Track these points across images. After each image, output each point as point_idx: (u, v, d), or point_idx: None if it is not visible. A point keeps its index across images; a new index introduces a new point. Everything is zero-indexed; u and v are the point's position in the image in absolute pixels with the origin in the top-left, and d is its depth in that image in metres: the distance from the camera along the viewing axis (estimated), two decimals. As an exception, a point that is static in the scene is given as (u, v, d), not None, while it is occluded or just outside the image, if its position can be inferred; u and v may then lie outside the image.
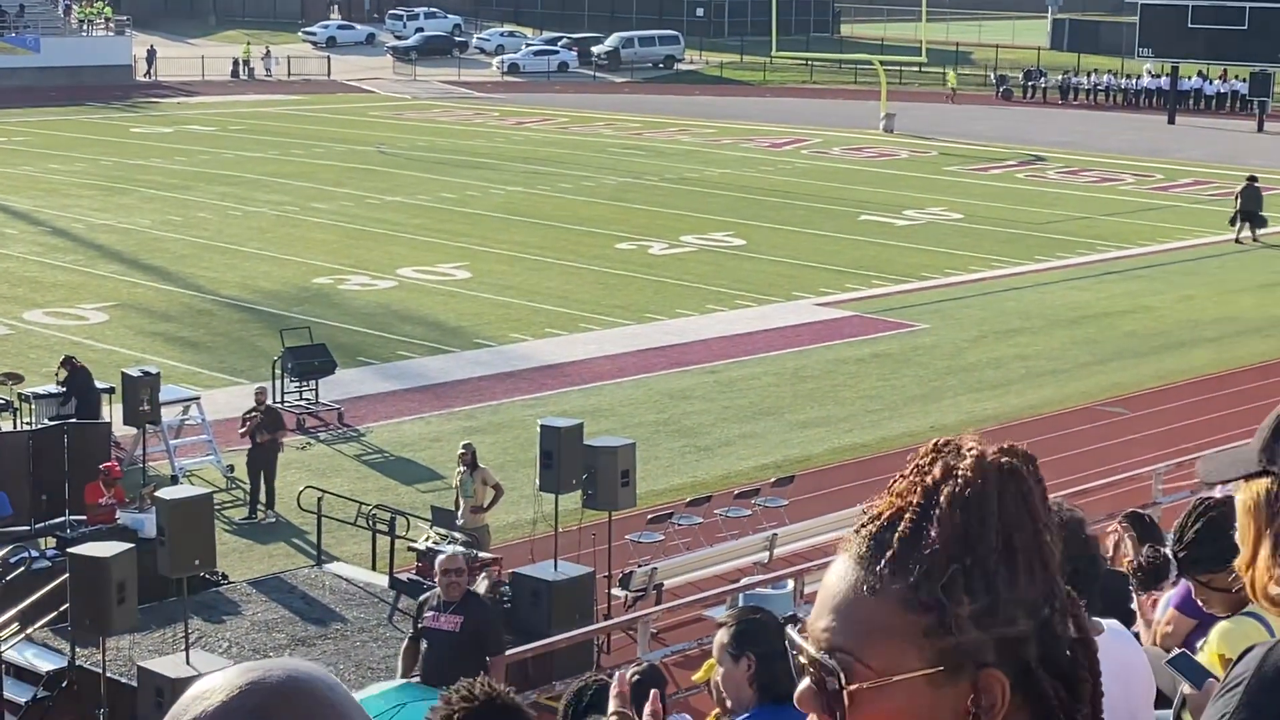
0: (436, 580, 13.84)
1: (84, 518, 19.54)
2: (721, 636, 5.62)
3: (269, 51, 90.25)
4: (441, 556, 14.08)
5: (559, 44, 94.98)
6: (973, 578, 2.02)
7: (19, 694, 16.38)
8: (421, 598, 14.38)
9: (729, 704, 5.69)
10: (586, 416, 22.61)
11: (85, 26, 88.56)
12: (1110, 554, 9.60)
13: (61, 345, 29.99)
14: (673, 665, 15.88)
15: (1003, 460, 2.09)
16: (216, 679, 1.93)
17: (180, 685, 14.50)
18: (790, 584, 17.94)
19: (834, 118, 72.33)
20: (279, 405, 25.13)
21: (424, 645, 13.43)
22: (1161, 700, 5.86)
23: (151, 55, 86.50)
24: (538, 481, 18.80)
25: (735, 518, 21.62)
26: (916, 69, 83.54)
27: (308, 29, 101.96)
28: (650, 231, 43.78)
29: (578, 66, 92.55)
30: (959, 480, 2.07)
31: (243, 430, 22.72)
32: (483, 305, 35.03)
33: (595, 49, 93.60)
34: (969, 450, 2.10)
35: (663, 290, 36.68)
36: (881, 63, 74.30)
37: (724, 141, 64.48)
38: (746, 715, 5.46)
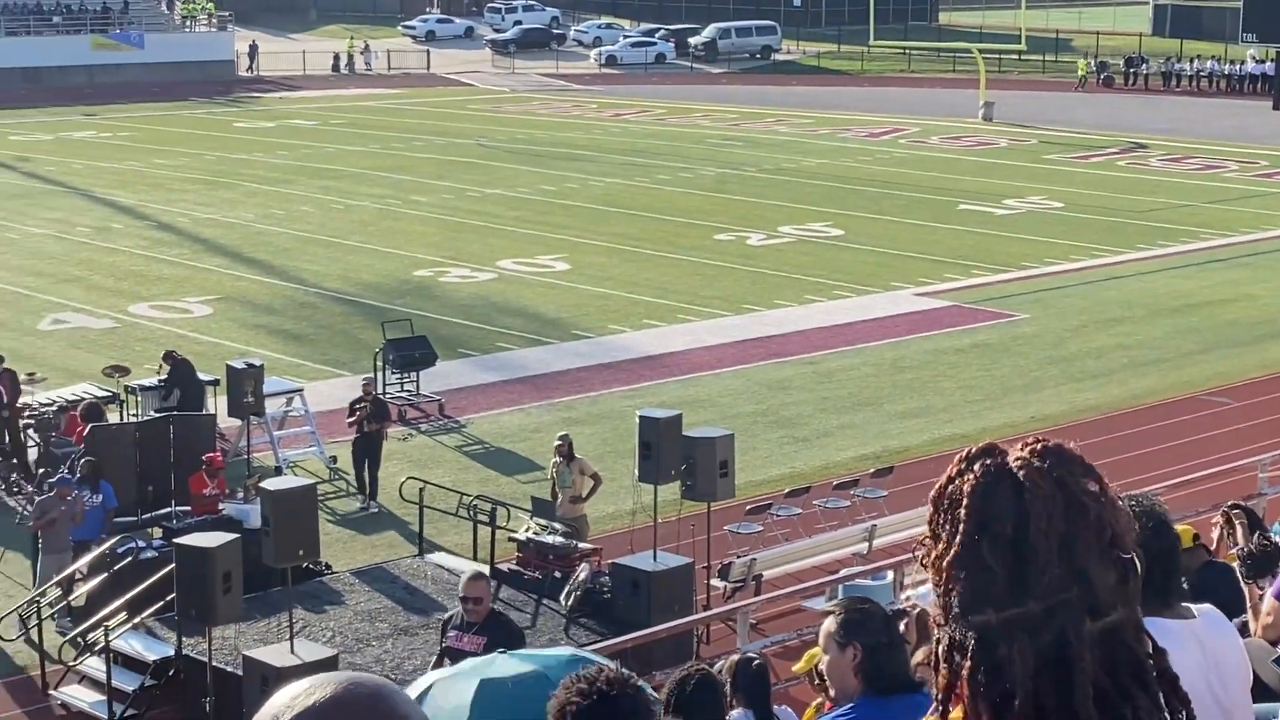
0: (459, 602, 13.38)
1: (189, 508, 19.84)
2: (829, 625, 5.63)
3: (368, 46, 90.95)
4: (464, 579, 13.50)
5: (656, 35, 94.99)
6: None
7: (127, 682, 16.67)
8: (445, 616, 14.01)
9: (833, 692, 5.70)
10: (685, 407, 22.65)
11: (188, 23, 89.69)
12: (1214, 545, 9.52)
13: (166, 338, 30.45)
14: (772, 656, 15.87)
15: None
16: (294, 689, 1.99)
17: (285, 674, 14.70)
18: (890, 575, 17.89)
19: (932, 106, 71.85)
20: (381, 397, 25.34)
21: (447, 665, 13.19)
22: (1265, 693, 5.80)
23: (253, 50, 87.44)
24: (637, 472, 18.85)
25: (834, 509, 21.58)
26: (1016, 57, 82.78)
27: (407, 23, 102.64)
28: (748, 222, 43.72)
29: (675, 58, 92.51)
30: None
31: (351, 420, 22.95)
32: (581, 297, 35.16)
33: (692, 40, 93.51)
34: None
35: (761, 281, 36.63)
36: (980, 51, 73.70)
37: (821, 132, 64.24)
38: (851, 705, 5.47)
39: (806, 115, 69.28)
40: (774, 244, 41.13)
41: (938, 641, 2.27)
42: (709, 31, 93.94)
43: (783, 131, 64.32)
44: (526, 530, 19.21)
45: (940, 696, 2.27)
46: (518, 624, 13.80)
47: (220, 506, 19.87)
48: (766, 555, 19.52)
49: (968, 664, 2.22)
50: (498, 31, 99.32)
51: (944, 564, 2.24)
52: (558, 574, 18.36)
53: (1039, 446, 2.26)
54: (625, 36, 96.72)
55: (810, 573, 19.46)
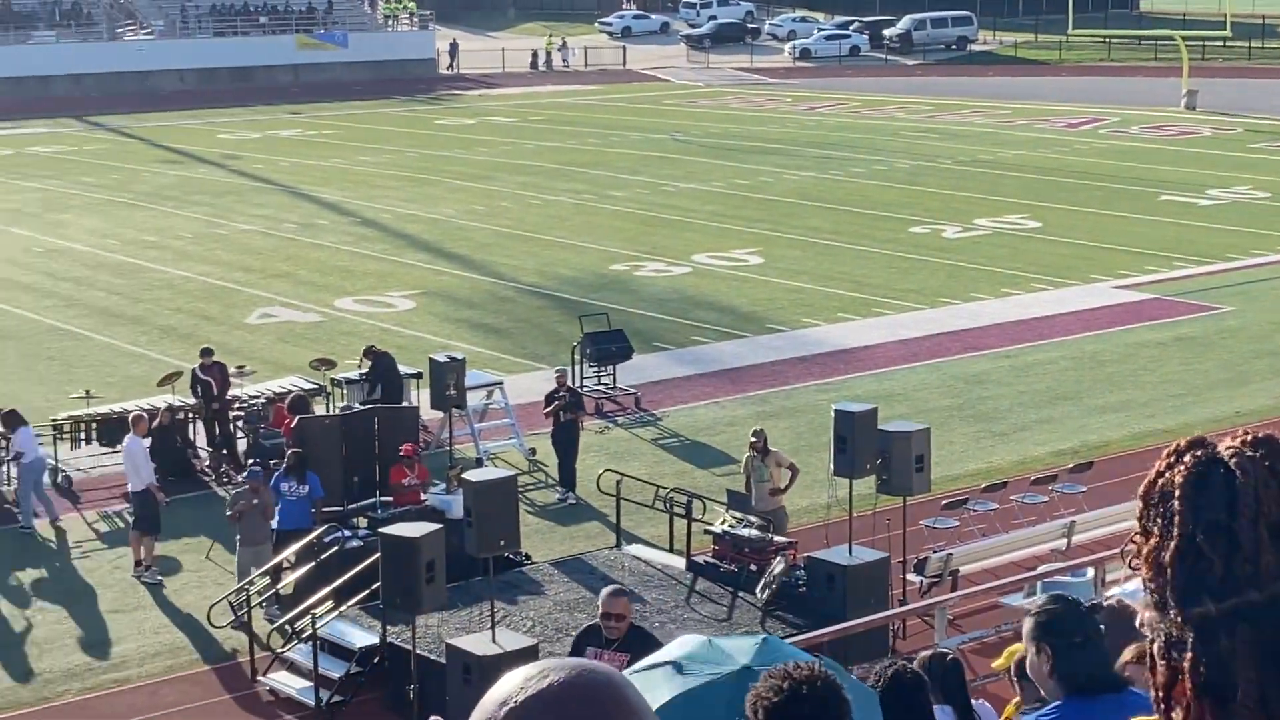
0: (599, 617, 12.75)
1: (391, 499, 20.28)
2: (1026, 624, 5.65)
3: (566, 43, 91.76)
4: (604, 594, 12.83)
5: (850, 28, 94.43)
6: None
7: (333, 669, 17.10)
8: (581, 629, 13.52)
9: (1042, 692, 5.70)
10: (879, 401, 22.55)
11: (390, 22, 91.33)
12: None
13: (370, 332, 31.10)
14: (969, 652, 15.78)
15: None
16: (526, 672, 2.08)
17: (487, 663, 14.99)
18: (1090, 572, 17.67)
19: (1133, 96, 70.43)
20: (579, 389, 25.60)
21: None
22: None
23: (454, 49, 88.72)
24: (832, 466, 18.84)
25: (1032, 504, 21.35)
26: (1220, 44, 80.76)
27: (604, 20, 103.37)
28: (943, 215, 43.33)
29: (869, 50, 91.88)
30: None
31: (547, 410, 23.26)
32: (775, 290, 35.17)
33: (887, 32, 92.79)
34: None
35: (956, 274, 36.30)
36: (1184, 38, 72.04)
37: (1018, 122, 63.36)
38: (1055, 705, 5.46)
39: (1003, 106, 68.37)
40: (970, 236, 40.71)
41: (1152, 640, 2.28)
42: (904, 23, 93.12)
43: (979, 123, 63.56)
44: (722, 523, 19.30)
45: (1160, 695, 2.28)
46: (659, 639, 13.26)
47: (422, 497, 20.27)
48: (963, 550, 19.39)
49: (1188, 658, 2.23)
50: (693, 27, 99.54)
51: (1158, 558, 2.26)
52: (753, 567, 18.43)
53: (1250, 437, 2.27)
54: (819, 30, 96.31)
55: (1007, 569, 19.29)
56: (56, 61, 77.96)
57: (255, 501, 19.12)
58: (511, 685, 2.06)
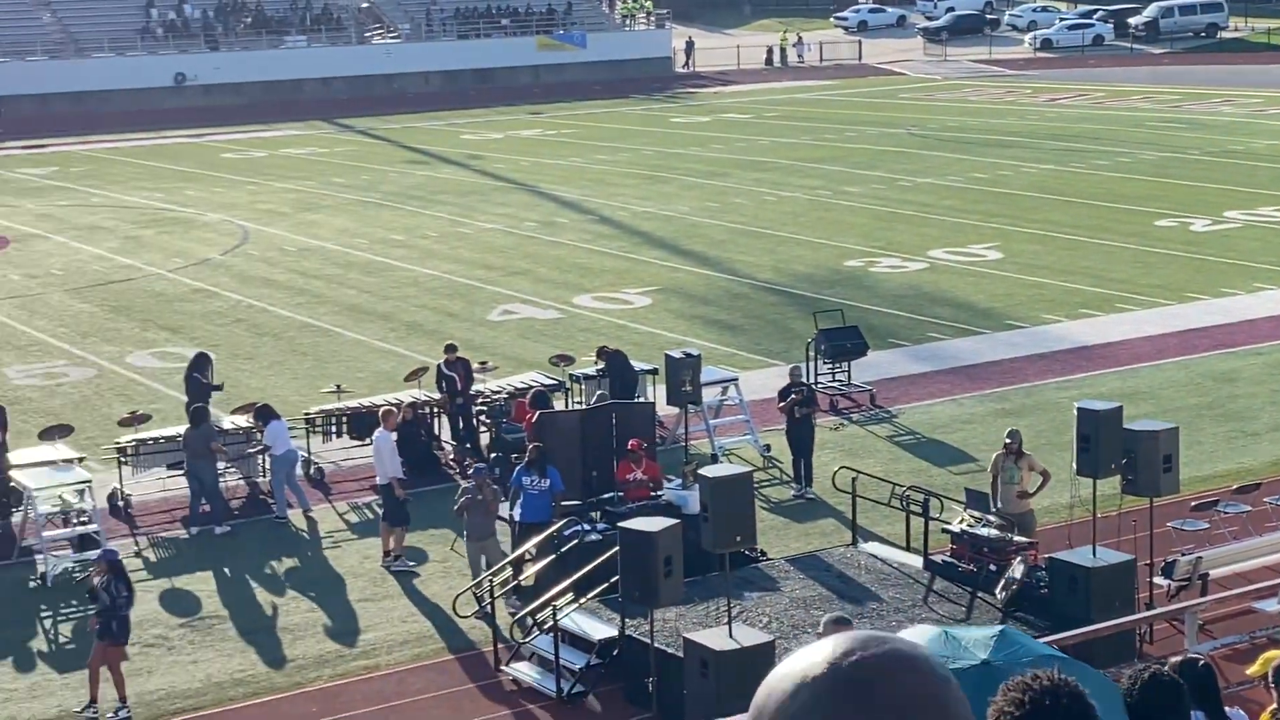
0: None
1: (622, 494, 20.46)
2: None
3: (801, 38, 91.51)
4: (824, 621, 12.57)
5: (1094, 17, 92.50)
6: None
7: (573, 660, 17.35)
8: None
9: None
10: (1124, 399, 22.08)
11: (627, 22, 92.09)
12: None
13: (608, 329, 31.44)
14: (1221, 659, 15.40)
15: None
16: (845, 642, 2.06)
17: (724, 658, 15.08)
18: (1346, 577, 17.08)
19: (1395, 82, 67.82)
20: (813, 386, 25.56)
21: None
22: None
23: (690, 47, 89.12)
24: (1074, 465, 18.52)
25: (1285, 506, 20.71)
26: None
27: (839, 14, 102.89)
28: (1192, 208, 42.22)
29: (1114, 39, 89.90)
30: None
31: (781, 406, 23.27)
32: (1014, 286, 34.65)
33: (1132, 20, 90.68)
34: None
35: (1205, 268, 35.35)
36: None
37: (1270, 112, 61.41)
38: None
39: (1255, 95, 66.33)
40: (1219, 230, 39.60)
41: None
42: (1150, 10, 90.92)
43: (1228, 112, 61.76)
44: (960, 522, 19.10)
45: None
46: None
47: (658, 492, 20.39)
48: (1213, 554, 18.89)
49: None
50: (930, 19, 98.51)
51: None
52: (993, 567, 18.20)
53: None
54: (1061, 19, 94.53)
55: (1261, 573, 18.73)
56: (307, 66, 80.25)
57: (480, 497, 19.47)
58: (832, 651, 2.04)
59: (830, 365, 27.45)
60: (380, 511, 21.50)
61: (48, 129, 67.51)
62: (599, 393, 24.24)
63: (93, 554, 19.26)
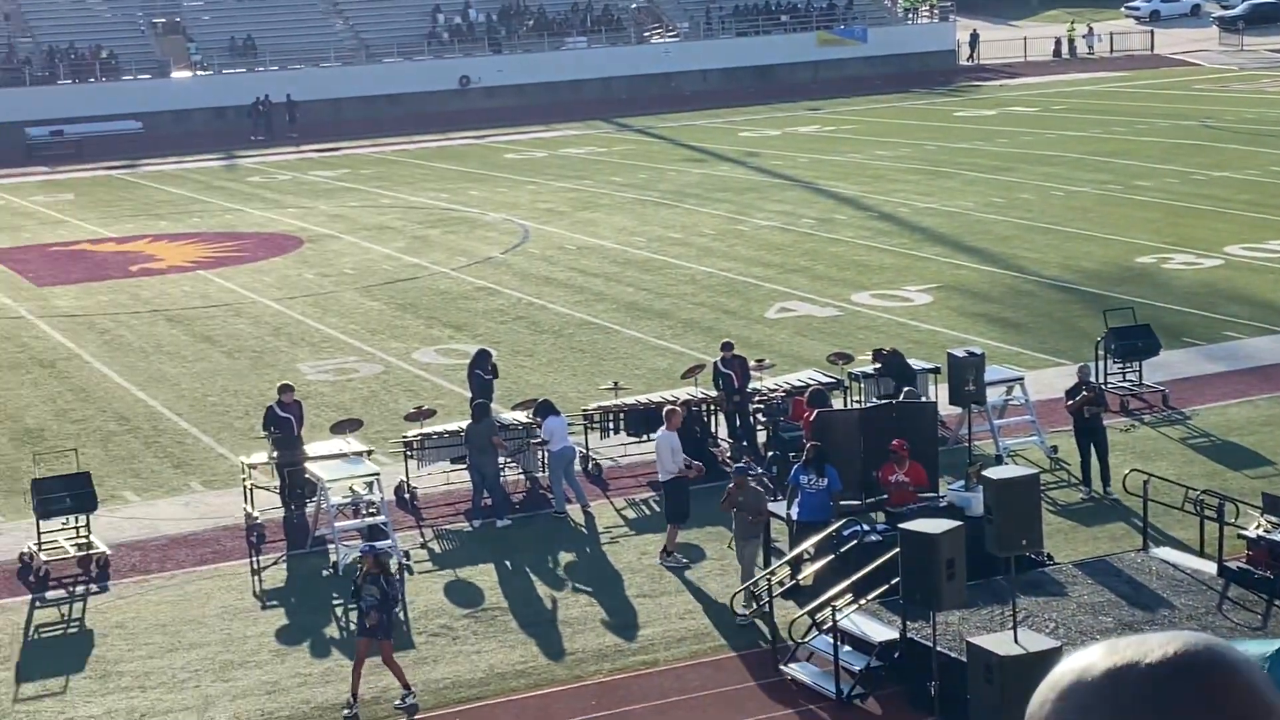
0: None
1: (884, 496, 20.14)
2: None
3: (1091, 29, 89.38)
4: None
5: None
6: None
7: (853, 661, 17.14)
8: None
9: None
10: None
11: (909, 15, 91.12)
12: None
13: (887, 327, 31.08)
14: None
15: None
16: (1165, 642, 1.86)
17: (1009, 663, 14.71)
18: None
19: None
20: (1102, 386, 24.88)
21: None
22: None
23: (974, 39, 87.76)
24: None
25: None
26: None
27: (1130, 4, 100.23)
28: None
29: None
30: None
31: (1069, 405, 22.69)
32: (1317, 283, 33.25)
33: None
34: None
35: None
36: None
37: None
38: None
39: None
40: None
41: None
42: None
43: None
44: (1257, 527, 18.37)
45: None
46: None
47: (927, 495, 20.02)
48: None
49: None
50: (1225, 8, 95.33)
51: None
52: (1293, 575, 17.45)
53: None
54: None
55: None
56: (587, 66, 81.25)
57: (741, 499, 19.37)
58: (1148, 648, 1.86)
59: (1120, 365, 26.69)
60: (660, 509, 21.55)
61: (339, 132, 69.66)
62: (906, 388, 23.82)
63: (383, 544, 19.78)
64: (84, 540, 21.48)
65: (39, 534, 21.29)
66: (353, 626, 18.72)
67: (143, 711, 17.28)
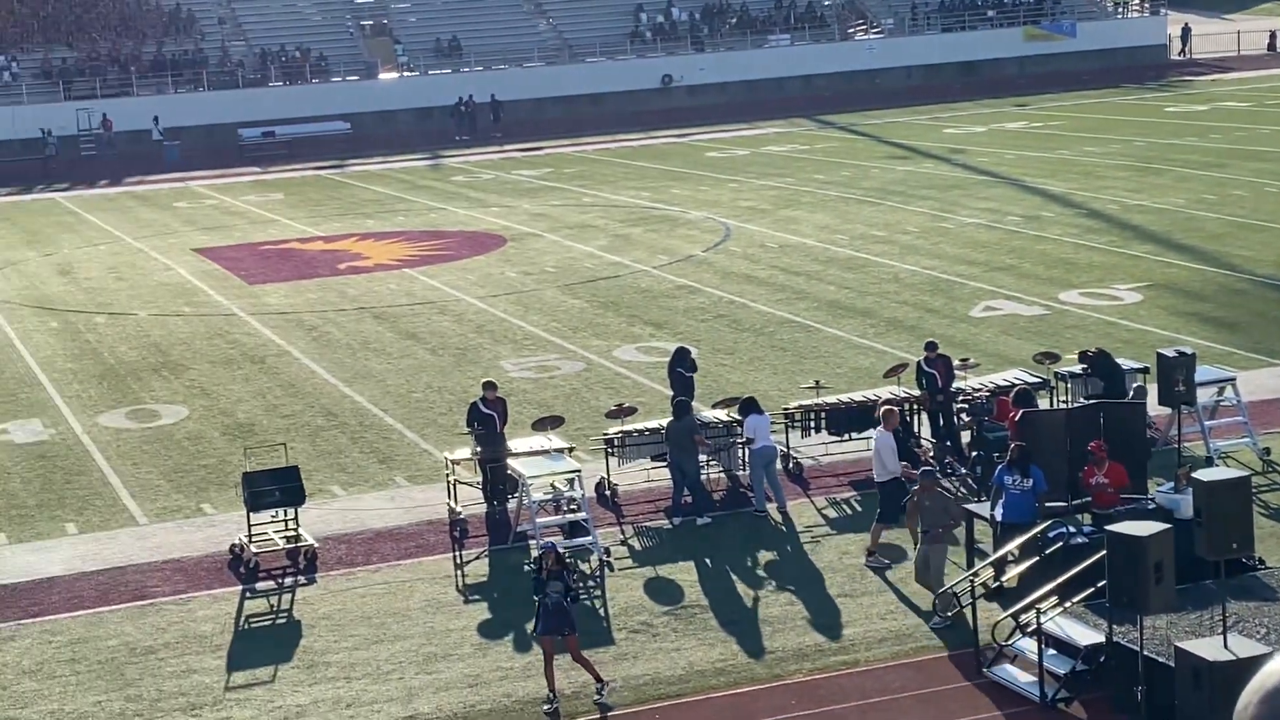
0: None
1: (1088, 499, 19.71)
2: None
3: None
4: None
5: None
6: None
7: (1059, 665, 16.83)
8: None
9: None
10: None
11: (1119, 9, 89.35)
12: None
13: (1095, 326, 30.48)
14: None
15: None
16: None
17: (1218, 669, 14.33)
18: None
19: None
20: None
21: None
22: None
23: (1186, 33, 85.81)
24: None
25: None
26: None
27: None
28: None
29: None
30: None
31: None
32: None
33: None
34: None
35: None
36: None
37: None
38: None
39: None
40: None
41: None
42: None
43: None
44: None
45: None
46: None
47: (1130, 497, 19.56)
48: None
49: None
50: None
51: None
52: None
53: None
54: None
55: None
56: (789, 63, 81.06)
57: (927, 504, 19.09)
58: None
59: (1338, 365, 25.85)
60: (860, 509, 21.38)
61: (542, 132, 70.38)
62: (1136, 384, 23.20)
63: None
64: (293, 533, 21.97)
65: (249, 526, 21.82)
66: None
67: (348, 701, 17.60)
